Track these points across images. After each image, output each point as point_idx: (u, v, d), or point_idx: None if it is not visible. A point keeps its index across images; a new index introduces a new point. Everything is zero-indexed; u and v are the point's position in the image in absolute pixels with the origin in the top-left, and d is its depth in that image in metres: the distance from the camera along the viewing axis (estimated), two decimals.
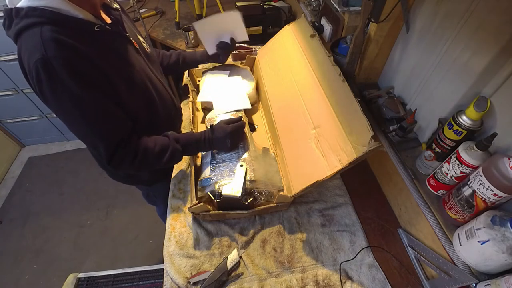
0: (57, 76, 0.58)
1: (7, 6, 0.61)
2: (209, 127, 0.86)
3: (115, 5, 0.75)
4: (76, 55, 0.60)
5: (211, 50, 0.98)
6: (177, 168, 0.92)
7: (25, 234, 1.80)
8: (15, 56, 1.72)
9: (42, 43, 0.56)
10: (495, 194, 0.52)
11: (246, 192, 0.76)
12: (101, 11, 0.71)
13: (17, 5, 0.59)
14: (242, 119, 0.89)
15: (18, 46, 0.61)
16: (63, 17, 0.60)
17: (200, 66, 1.30)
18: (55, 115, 0.68)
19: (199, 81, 1.21)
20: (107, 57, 0.66)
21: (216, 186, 0.75)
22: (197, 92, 1.10)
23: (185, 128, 1.04)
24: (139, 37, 0.83)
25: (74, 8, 0.61)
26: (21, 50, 0.60)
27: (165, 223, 0.80)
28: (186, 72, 1.17)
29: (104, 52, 0.66)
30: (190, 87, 1.11)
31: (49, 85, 0.59)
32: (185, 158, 0.94)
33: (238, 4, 1.36)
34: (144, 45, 0.83)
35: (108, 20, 0.71)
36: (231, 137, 0.81)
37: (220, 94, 1.02)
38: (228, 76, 1.12)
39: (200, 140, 0.81)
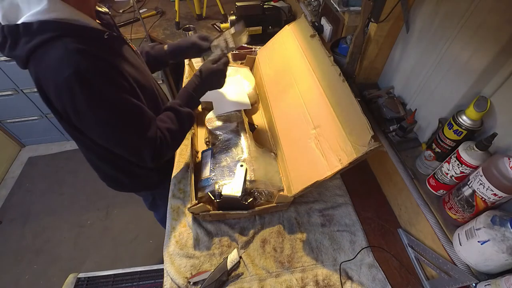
0: (94, 88, 0.57)
1: (1, 25, 0.55)
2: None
3: (103, 8, 0.74)
4: (103, 64, 0.59)
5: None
6: (177, 168, 0.92)
7: (25, 234, 1.80)
8: None
9: (69, 57, 0.54)
10: (495, 194, 0.52)
11: (246, 192, 0.76)
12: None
13: (23, 21, 0.54)
14: (226, 56, 0.86)
15: (33, 68, 0.58)
16: (78, 28, 0.58)
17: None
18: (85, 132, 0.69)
19: None
20: (120, 62, 0.66)
21: (216, 186, 0.75)
22: None
23: None
24: (132, 44, 0.83)
25: (83, 17, 0.60)
26: (39, 71, 0.57)
27: (165, 227, 0.80)
28: (186, 72, 1.17)
29: (117, 58, 0.66)
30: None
31: (85, 99, 0.57)
32: (185, 158, 0.94)
33: (238, 4, 1.36)
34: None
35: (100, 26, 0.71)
36: (220, 75, 0.82)
37: (220, 94, 1.02)
38: (228, 76, 1.12)
39: (195, 89, 0.80)
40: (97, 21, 0.69)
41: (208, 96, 1.03)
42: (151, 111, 0.76)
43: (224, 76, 0.84)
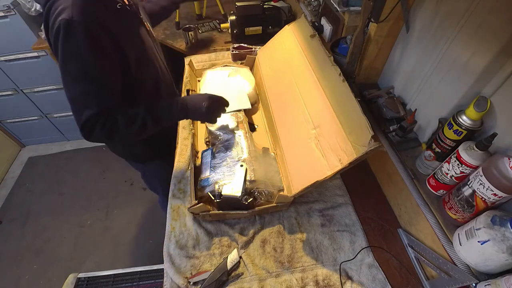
0: (74, 37, 0.64)
1: None
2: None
3: None
4: (98, 23, 0.67)
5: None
6: (177, 168, 0.92)
7: (25, 234, 1.80)
8: (15, 56, 1.73)
9: (71, 7, 0.63)
10: (495, 194, 0.52)
11: (246, 192, 0.76)
12: None
13: None
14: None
15: (46, 10, 0.67)
16: None
17: (200, 66, 1.31)
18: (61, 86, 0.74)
19: (199, 80, 1.21)
20: (124, 31, 0.73)
21: (216, 186, 0.76)
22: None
23: (184, 128, 1.04)
24: (148, 24, 0.91)
25: None
26: (49, 13, 0.66)
27: (165, 211, 0.82)
28: (186, 73, 1.17)
29: (122, 27, 0.73)
30: (190, 87, 1.11)
31: (63, 43, 0.65)
32: (185, 159, 0.94)
33: (238, 4, 1.36)
34: (151, 29, 0.91)
35: (125, 1, 0.78)
36: (208, 101, 0.76)
37: (220, 94, 1.02)
38: (228, 76, 1.12)
39: (173, 103, 0.76)
40: None
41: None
42: (148, 84, 0.83)
43: (211, 115, 0.80)
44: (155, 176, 0.89)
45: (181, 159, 0.95)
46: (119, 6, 0.73)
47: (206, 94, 0.79)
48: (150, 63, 0.84)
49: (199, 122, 1.05)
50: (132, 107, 0.75)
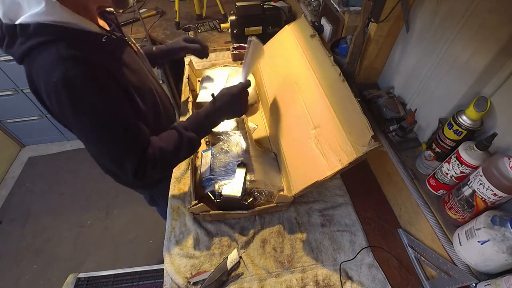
0: (81, 94, 0.57)
1: (2, 21, 0.56)
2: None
3: (109, 8, 0.73)
4: (95, 70, 0.58)
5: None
6: (177, 168, 0.92)
7: (25, 234, 1.80)
8: None
9: (60, 62, 0.54)
10: (495, 194, 0.52)
11: (246, 192, 0.76)
12: (98, 17, 0.69)
13: (21, 22, 0.54)
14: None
15: (26, 66, 0.58)
16: (74, 32, 0.58)
17: (200, 66, 1.31)
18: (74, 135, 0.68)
19: (199, 81, 1.21)
20: (117, 67, 0.65)
21: (216, 186, 0.76)
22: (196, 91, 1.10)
23: None
24: (132, 39, 0.82)
25: (82, 21, 0.60)
26: (32, 71, 0.58)
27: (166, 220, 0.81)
28: (186, 73, 1.17)
29: (114, 62, 0.65)
30: (190, 87, 1.11)
31: (71, 105, 0.57)
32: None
33: (238, 4, 1.36)
34: (137, 45, 0.83)
35: (106, 26, 0.70)
36: (236, 99, 0.75)
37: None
38: (228, 76, 1.12)
39: (208, 115, 0.74)
40: (100, 22, 0.68)
41: (208, 96, 1.04)
42: (150, 114, 0.75)
43: (241, 101, 0.76)
44: (162, 196, 0.87)
45: None
46: (104, 39, 0.64)
47: (227, 93, 0.76)
48: (148, 89, 0.76)
49: None
50: (154, 134, 0.72)
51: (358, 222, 0.80)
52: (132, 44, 0.76)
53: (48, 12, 0.54)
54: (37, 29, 0.55)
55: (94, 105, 0.59)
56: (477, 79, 0.62)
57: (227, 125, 0.93)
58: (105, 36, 0.64)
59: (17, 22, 0.54)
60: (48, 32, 0.55)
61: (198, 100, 1.04)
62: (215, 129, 0.92)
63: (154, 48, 0.97)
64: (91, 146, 0.66)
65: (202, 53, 1.04)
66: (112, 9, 0.73)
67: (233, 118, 0.81)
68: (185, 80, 1.16)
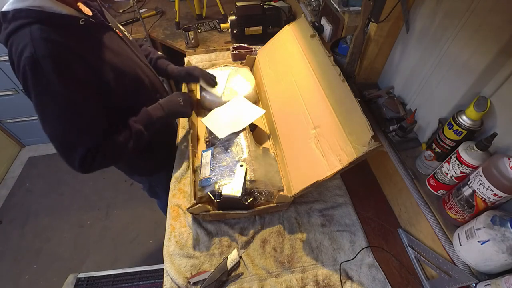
0: (43, 75, 0.59)
1: None
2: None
3: None
4: (65, 52, 0.61)
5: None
6: (177, 168, 0.92)
7: (25, 234, 1.80)
8: None
9: (31, 43, 0.58)
10: (495, 194, 0.52)
11: (246, 192, 0.76)
12: (81, 4, 0.71)
13: (3, 10, 0.61)
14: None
15: (8, 48, 0.62)
16: (48, 15, 0.61)
17: (200, 66, 1.30)
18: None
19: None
20: (94, 49, 0.67)
21: (216, 186, 0.75)
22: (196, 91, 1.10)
23: (184, 128, 1.04)
24: (120, 27, 0.85)
25: (56, 5, 0.63)
26: (11, 52, 0.61)
27: (166, 215, 0.82)
28: None
29: (91, 45, 0.67)
30: (189, 87, 1.11)
31: (34, 83, 0.60)
32: (185, 159, 0.94)
33: (238, 4, 1.36)
34: (126, 33, 0.85)
35: (89, 13, 0.71)
36: (181, 95, 0.89)
37: (220, 121, 0.97)
38: (228, 76, 1.11)
39: (159, 118, 0.82)
40: (85, 8, 0.70)
41: (208, 97, 1.03)
42: (132, 96, 0.78)
43: (187, 107, 0.91)
44: (162, 185, 0.89)
45: (181, 159, 0.95)
46: (82, 22, 0.65)
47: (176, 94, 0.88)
48: (130, 72, 0.77)
49: (199, 122, 1.05)
50: (123, 122, 0.75)
51: (358, 222, 0.80)
52: (118, 31, 0.79)
53: None
54: (15, 14, 0.60)
55: (54, 86, 0.61)
56: (477, 79, 0.62)
57: (227, 126, 0.93)
58: (82, 19, 0.66)
59: (1, 10, 0.61)
60: (24, 16, 0.59)
61: (199, 98, 1.04)
62: None
63: (168, 67, 1.01)
64: (46, 126, 0.66)
65: (213, 82, 1.05)
66: None
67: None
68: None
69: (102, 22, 0.72)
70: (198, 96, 1.12)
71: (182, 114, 0.92)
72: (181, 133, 1.03)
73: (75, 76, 0.63)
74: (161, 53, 1.05)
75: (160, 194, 1.15)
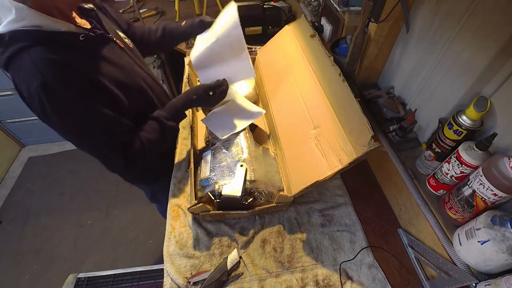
0: (61, 99, 0.58)
1: None
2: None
3: (88, 5, 0.71)
4: (70, 72, 0.59)
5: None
6: (177, 168, 0.92)
7: (25, 234, 1.80)
8: None
9: (36, 68, 0.55)
10: (495, 194, 0.52)
11: (246, 192, 0.76)
12: (77, 16, 0.68)
13: None
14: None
15: (11, 75, 0.59)
16: (47, 34, 0.58)
17: None
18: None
19: (199, 81, 1.21)
20: (97, 65, 0.65)
21: (216, 186, 0.75)
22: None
23: (185, 128, 1.04)
24: (120, 33, 0.81)
25: (54, 22, 0.59)
26: (15, 79, 0.59)
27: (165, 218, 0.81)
28: (186, 73, 1.17)
29: (94, 61, 0.65)
30: (190, 86, 1.11)
31: (53, 110, 0.58)
32: (185, 159, 0.94)
33: (238, 4, 1.36)
34: (126, 40, 0.82)
35: (87, 25, 0.69)
36: (214, 103, 0.86)
37: (221, 120, 0.95)
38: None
39: (185, 105, 0.82)
40: (81, 21, 0.68)
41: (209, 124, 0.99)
42: (141, 108, 0.77)
43: (218, 102, 0.87)
44: (164, 192, 0.91)
45: (181, 159, 0.95)
46: (82, 38, 0.63)
47: (204, 85, 0.82)
48: (135, 85, 0.76)
49: (199, 122, 1.05)
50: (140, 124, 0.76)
51: (358, 222, 0.80)
52: (118, 41, 0.76)
53: (18, 18, 0.55)
54: (12, 37, 0.56)
55: (72, 107, 0.60)
56: (477, 79, 0.62)
57: (227, 126, 0.93)
58: (82, 35, 0.63)
59: None
60: (22, 38, 0.56)
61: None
62: None
63: (182, 24, 0.96)
64: (81, 145, 0.68)
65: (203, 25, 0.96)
66: (91, 5, 0.72)
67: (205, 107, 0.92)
68: (185, 80, 1.16)
69: (101, 34, 0.70)
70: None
71: (208, 105, 0.91)
72: (181, 133, 1.03)
73: (87, 93, 0.62)
74: (155, 26, 1.01)
75: (161, 200, 1.14)
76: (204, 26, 0.92)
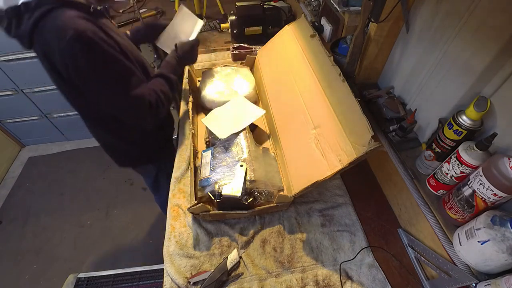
0: (93, 46, 0.65)
1: (3, 8, 0.63)
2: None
3: None
4: (97, 27, 0.67)
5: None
6: (177, 168, 0.92)
7: (25, 234, 1.80)
8: (15, 56, 1.72)
9: (70, 21, 0.62)
10: (495, 194, 0.52)
11: (246, 192, 0.76)
12: None
13: (23, 1, 0.62)
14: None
15: (37, 39, 0.65)
16: (69, 2, 0.66)
17: (200, 66, 1.31)
18: (84, 91, 0.76)
19: (199, 81, 1.21)
20: (108, 30, 0.73)
21: (216, 186, 0.75)
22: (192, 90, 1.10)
23: (184, 128, 1.03)
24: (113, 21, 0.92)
25: None
26: (42, 40, 0.64)
27: (165, 212, 0.83)
28: (186, 73, 1.17)
29: (105, 26, 0.73)
30: (190, 87, 1.11)
31: (86, 57, 0.65)
32: (185, 159, 0.94)
33: (238, 4, 1.36)
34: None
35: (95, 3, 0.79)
36: (194, 49, 1.00)
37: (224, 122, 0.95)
38: (227, 79, 1.11)
39: (179, 62, 0.95)
40: None
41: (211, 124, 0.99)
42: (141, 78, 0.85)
43: (196, 51, 1.01)
44: (165, 174, 1.01)
45: (181, 159, 0.95)
46: (92, 9, 0.71)
47: (186, 43, 0.98)
48: (133, 50, 0.86)
49: (199, 122, 1.05)
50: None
51: (358, 222, 0.80)
52: (112, 22, 0.86)
53: None
54: (39, 3, 0.63)
55: (105, 55, 0.68)
56: (477, 79, 0.62)
57: (227, 126, 0.93)
58: (92, 6, 0.72)
59: (20, 2, 0.62)
60: (50, 1, 0.63)
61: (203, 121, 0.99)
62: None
63: (127, 31, 1.06)
64: (105, 100, 0.76)
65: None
66: None
67: (189, 64, 1.07)
68: (185, 80, 1.16)
69: (103, 12, 0.78)
70: (199, 93, 1.11)
71: (192, 61, 1.03)
72: (181, 133, 1.03)
73: (113, 45, 0.70)
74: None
75: (163, 185, 1.19)
76: (158, 29, 1.05)
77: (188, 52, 0.97)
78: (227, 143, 0.86)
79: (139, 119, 0.84)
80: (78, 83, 0.71)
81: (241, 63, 1.24)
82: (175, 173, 0.91)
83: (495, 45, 0.56)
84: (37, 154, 2.30)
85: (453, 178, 0.62)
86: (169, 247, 0.75)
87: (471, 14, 0.61)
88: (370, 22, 0.85)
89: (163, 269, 0.72)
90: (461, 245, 0.58)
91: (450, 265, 0.61)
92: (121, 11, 1.94)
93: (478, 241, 0.53)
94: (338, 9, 1.02)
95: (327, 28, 1.16)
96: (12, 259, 1.69)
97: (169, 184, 0.88)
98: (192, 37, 1.02)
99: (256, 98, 1.12)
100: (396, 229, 0.80)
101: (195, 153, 0.90)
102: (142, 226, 1.79)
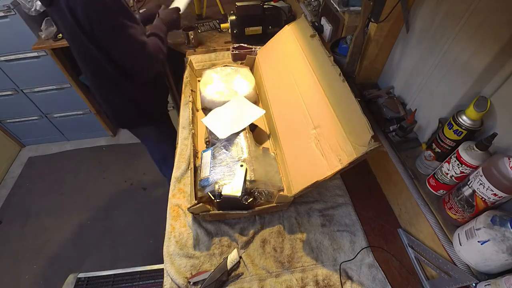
0: None
1: None
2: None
3: None
4: None
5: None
6: (177, 168, 0.92)
7: (25, 234, 1.80)
8: (15, 56, 1.73)
9: None
10: (495, 194, 0.52)
11: (246, 192, 0.76)
12: None
13: None
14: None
15: None
16: None
17: (200, 66, 1.31)
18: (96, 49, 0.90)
19: (199, 81, 1.21)
20: None
21: (216, 186, 0.75)
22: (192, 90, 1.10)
23: (184, 128, 1.04)
24: None
25: None
26: None
27: (161, 171, 0.85)
28: (186, 73, 1.17)
29: None
30: (190, 87, 1.11)
31: (104, 9, 0.80)
32: (185, 159, 0.94)
33: (238, 4, 1.36)
34: None
35: None
36: (176, 15, 1.20)
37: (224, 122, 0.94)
38: (228, 75, 1.11)
39: (163, 21, 1.13)
40: None
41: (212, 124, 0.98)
42: None
43: (178, 17, 1.22)
44: (166, 134, 1.14)
45: (181, 159, 0.95)
46: None
47: (169, 10, 1.20)
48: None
49: (199, 122, 1.05)
50: None
51: (358, 222, 0.80)
52: None
53: None
54: None
55: (122, 5, 0.85)
56: (477, 79, 0.62)
57: (227, 126, 0.93)
58: None
59: None
60: None
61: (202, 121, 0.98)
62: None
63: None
64: (120, 46, 0.90)
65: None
66: None
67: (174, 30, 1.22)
68: (185, 80, 1.16)
69: None
70: (199, 93, 1.11)
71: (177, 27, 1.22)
72: (181, 133, 1.03)
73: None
74: None
75: (164, 145, 1.29)
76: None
77: (169, 15, 1.17)
78: (227, 143, 0.86)
79: (146, 62, 0.96)
80: (98, 35, 0.84)
81: (241, 63, 1.24)
82: (175, 173, 0.91)
83: (495, 45, 0.56)
84: (37, 154, 2.30)
85: (453, 178, 0.62)
86: (169, 247, 0.75)
87: (471, 14, 0.61)
88: (370, 22, 0.85)
89: (163, 269, 0.72)
90: (461, 245, 0.58)
91: (450, 265, 0.61)
92: None
93: (478, 241, 0.53)
94: (338, 9, 1.02)
95: (327, 28, 1.16)
96: (12, 259, 1.69)
97: (172, 144, 1.00)
98: (173, 5, 1.21)
99: (256, 98, 1.12)
100: (396, 229, 0.80)
101: (195, 153, 0.90)
102: (142, 226, 1.79)
